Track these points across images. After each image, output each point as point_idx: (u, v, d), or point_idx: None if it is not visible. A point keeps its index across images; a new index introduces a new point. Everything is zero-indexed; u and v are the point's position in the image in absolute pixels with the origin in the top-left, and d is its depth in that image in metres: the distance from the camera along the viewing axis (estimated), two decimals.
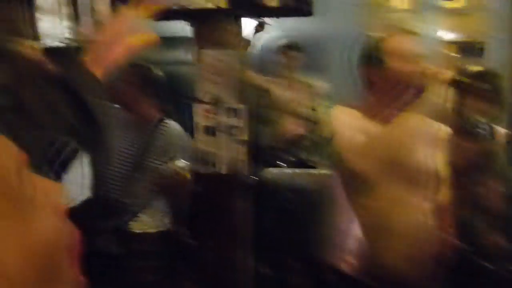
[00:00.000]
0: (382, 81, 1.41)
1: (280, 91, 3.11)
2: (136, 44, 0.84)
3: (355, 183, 1.38)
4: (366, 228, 1.46)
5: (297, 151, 3.09)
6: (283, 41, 3.19)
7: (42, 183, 0.37)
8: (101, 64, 0.81)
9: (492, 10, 3.62)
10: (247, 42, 2.04)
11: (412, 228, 1.43)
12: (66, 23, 2.67)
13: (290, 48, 3.13)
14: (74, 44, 2.66)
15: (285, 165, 3.04)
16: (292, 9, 1.71)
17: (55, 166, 0.85)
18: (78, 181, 2.51)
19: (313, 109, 3.16)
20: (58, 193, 0.38)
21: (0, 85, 2.38)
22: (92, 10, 3.01)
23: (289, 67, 3.15)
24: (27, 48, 2.14)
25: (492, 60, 3.64)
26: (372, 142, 1.35)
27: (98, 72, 0.81)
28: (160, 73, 2.26)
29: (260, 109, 3.01)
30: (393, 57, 1.39)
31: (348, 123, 1.46)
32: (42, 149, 0.80)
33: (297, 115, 3.13)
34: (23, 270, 0.30)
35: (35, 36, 2.28)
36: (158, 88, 2.24)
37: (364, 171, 1.29)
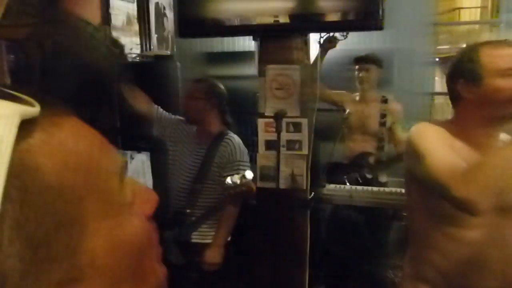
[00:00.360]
0: (478, 98, 1.25)
1: (352, 106, 2.98)
2: None
3: (449, 211, 1.19)
4: (455, 261, 1.30)
5: (361, 168, 2.98)
6: (360, 55, 2.98)
7: (136, 186, 0.38)
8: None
9: None
10: (316, 57, 2.01)
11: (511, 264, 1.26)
12: (136, 40, 2.84)
13: (367, 61, 2.94)
14: (143, 59, 2.81)
15: (347, 182, 2.96)
16: (361, 24, 1.67)
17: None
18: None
19: (386, 126, 2.98)
20: (149, 196, 0.40)
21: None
22: (161, 28, 3.17)
23: (364, 82, 2.95)
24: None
25: None
26: (474, 167, 1.14)
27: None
28: (223, 88, 2.31)
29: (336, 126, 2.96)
30: (492, 71, 1.22)
31: (443, 144, 1.27)
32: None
33: (369, 132, 3.02)
34: (113, 268, 0.32)
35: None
36: (222, 102, 2.30)
37: (466, 198, 1.09)
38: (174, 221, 2.26)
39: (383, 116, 2.97)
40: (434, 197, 1.23)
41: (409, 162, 1.36)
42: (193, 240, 2.27)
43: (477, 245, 1.25)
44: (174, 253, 2.20)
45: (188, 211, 2.23)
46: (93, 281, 0.30)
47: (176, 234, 2.22)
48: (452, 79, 1.33)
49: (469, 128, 1.29)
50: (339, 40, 1.85)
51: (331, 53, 3.10)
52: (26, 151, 0.27)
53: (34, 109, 0.28)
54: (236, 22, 1.85)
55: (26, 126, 0.28)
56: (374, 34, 3.39)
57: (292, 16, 1.78)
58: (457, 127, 1.31)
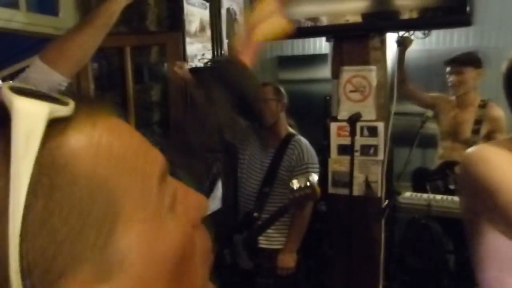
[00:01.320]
0: None
1: (446, 110, 2.72)
2: (272, 31, 0.85)
3: None
4: None
5: (446, 177, 2.75)
6: (452, 56, 2.68)
7: (182, 190, 0.37)
8: (248, 54, 0.83)
9: None
10: (397, 58, 1.90)
11: None
12: (209, 45, 2.90)
13: (460, 63, 2.63)
14: (216, 64, 2.87)
15: (429, 190, 2.76)
16: (447, 21, 1.55)
17: (206, 181, 0.88)
18: (214, 193, 2.63)
19: (480, 134, 2.66)
20: (198, 202, 0.38)
21: (154, 103, 2.64)
22: (233, 33, 3.23)
23: (456, 86, 2.65)
24: (177, 69, 2.38)
25: None
26: None
27: (249, 63, 0.83)
28: (284, 91, 2.29)
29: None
30: None
31: None
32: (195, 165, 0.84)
33: (459, 139, 2.74)
34: (144, 275, 0.30)
35: (184, 58, 2.51)
36: (288, 105, 2.28)
37: None
38: (243, 225, 2.27)
39: (478, 122, 2.67)
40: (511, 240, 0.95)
41: (471, 201, 1.05)
42: (260, 245, 2.26)
43: None
44: (242, 257, 2.20)
45: (256, 214, 2.23)
46: (120, 285, 0.29)
47: (244, 238, 2.22)
48: None
49: None
50: (412, 39, 1.72)
51: (409, 54, 2.93)
52: (56, 148, 0.27)
53: (66, 108, 0.29)
54: (309, 23, 1.81)
55: (59, 125, 0.28)
56: (456, 32, 3.16)
57: (367, 15, 1.70)
58: None
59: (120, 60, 2.50)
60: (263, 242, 2.27)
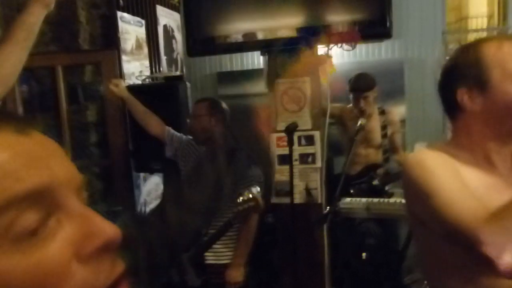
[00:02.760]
0: (485, 108, 0.98)
1: (353, 120, 2.98)
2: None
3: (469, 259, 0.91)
4: None
5: (370, 180, 2.96)
6: (353, 83, 2.93)
7: (85, 216, 0.34)
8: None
9: None
10: (326, 69, 2.00)
11: None
12: (146, 62, 2.87)
13: (363, 90, 2.89)
14: (154, 81, 2.84)
15: (361, 194, 2.92)
16: (369, 32, 1.67)
17: None
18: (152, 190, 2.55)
19: (389, 137, 2.99)
20: (97, 232, 0.34)
21: (90, 123, 2.55)
22: (170, 50, 3.22)
23: (364, 109, 2.91)
24: (113, 87, 2.33)
25: None
26: (506, 207, 0.85)
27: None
28: (225, 105, 2.31)
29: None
30: (501, 74, 0.96)
31: (452, 175, 0.97)
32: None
33: (374, 145, 3.01)
34: None
35: (121, 76, 2.47)
36: (225, 118, 2.29)
37: (493, 251, 0.79)
38: (190, 242, 2.23)
39: (384, 127, 2.98)
40: (449, 243, 0.97)
41: (410, 203, 1.07)
42: (208, 261, 2.23)
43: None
44: (190, 275, 2.16)
45: (203, 231, 2.21)
46: None
47: (191, 255, 2.19)
48: (448, 88, 1.06)
49: (477, 147, 1.02)
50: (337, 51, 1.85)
51: (341, 66, 3.10)
52: None
53: None
54: (244, 39, 1.86)
55: None
56: (383, 45, 3.39)
57: (298, 29, 1.78)
58: (461, 148, 1.03)
59: (51, 81, 2.41)
60: (210, 258, 2.24)
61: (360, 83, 2.92)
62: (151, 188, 2.92)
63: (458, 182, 0.94)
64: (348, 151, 2.48)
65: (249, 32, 1.86)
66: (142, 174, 2.77)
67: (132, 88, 2.43)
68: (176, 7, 3.21)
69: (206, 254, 2.23)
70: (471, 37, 3.75)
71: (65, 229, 0.32)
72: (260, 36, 1.85)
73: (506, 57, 0.97)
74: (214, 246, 2.21)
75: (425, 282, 1.17)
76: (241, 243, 2.20)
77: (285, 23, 1.80)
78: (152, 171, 2.78)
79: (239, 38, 1.87)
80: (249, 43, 1.85)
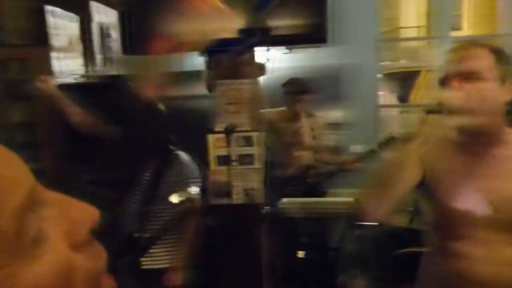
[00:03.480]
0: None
1: (291, 121, 3.07)
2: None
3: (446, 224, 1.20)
4: (449, 274, 1.23)
5: (304, 180, 3.07)
6: (288, 86, 3.04)
7: (66, 205, 0.33)
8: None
9: (500, 36, 3.65)
10: (262, 72, 2.04)
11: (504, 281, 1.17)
12: (80, 60, 2.74)
13: (301, 93, 3.01)
14: (88, 80, 2.72)
15: (296, 195, 3.00)
16: (306, 37, 1.72)
17: None
18: None
19: (323, 139, 3.14)
20: (84, 215, 0.34)
21: (15, 123, 2.40)
22: (106, 48, 3.10)
23: (300, 112, 3.06)
24: (44, 85, 2.19)
25: None
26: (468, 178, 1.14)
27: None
28: (162, 107, 2.27)
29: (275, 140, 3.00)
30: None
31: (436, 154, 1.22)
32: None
33: (305, 146, 3.12)
34: None
35: (51, 74, 2.33)
36: (161, 120, 2.24)
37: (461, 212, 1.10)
38: (125, 248, 2.16)
39: (313, 130, 3.13)
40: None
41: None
42: (146, 267, 2.17)
43: (471, 260, 1.18)
44: (127, 282, 2.09)
45: (137, 235, 2.14)
46: None
47: (128, 262, 2.11)
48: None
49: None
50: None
51: (281, 71, 3.17)
52: None
53: None
54: (183, 39, 1.83)
55: None
56: (322, 51, 3.51)
57: (238, 31, 1.80)
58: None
59: None
60: (148, 262, 2.18)
61: (294, 86, 3.03)
62: None
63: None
64: (283, 154, 2.56)
65: (190, 32, 1.84)
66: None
67: (65, 87, 2.31)
68: (113, 3, 3.10)
69: (143, 259, 2.17)
70: (402, 45, 4.00)
71: (51, 223, 0.31)
72: (201, 36, 1.83)
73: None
74: (151, 250, 2.16)
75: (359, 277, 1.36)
76: (179, 246, 2.17)
77: (224, 26, 1.80)
78: (87, 174, 2.65)
79: (178, 38, 1.84)
80: (188, 44, 1.83)
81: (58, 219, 0.32)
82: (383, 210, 1.20)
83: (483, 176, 1.17)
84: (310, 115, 3.14)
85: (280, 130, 2.91)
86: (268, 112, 3.20)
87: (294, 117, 3.09)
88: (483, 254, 1.16)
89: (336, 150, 3.25)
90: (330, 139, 3.21)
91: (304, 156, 3.13)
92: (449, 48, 1.27)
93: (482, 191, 1.16)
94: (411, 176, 1.20)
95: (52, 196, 0.33)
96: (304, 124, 3.12)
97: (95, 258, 0.34)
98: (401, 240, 3.12)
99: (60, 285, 0.30)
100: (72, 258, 0.32)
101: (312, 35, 1.73)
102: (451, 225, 1.19)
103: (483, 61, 1.14)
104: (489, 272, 1.16)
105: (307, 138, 3.12)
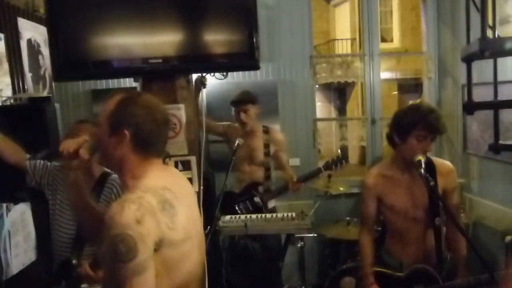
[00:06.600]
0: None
1: (238, 137, 2.90)
2: None
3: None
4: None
5: (252, 197, 3.10)
6: (235, 97, 3.07)
7: None
8: None
9: (425, 52, 3.93)
10: (197, 95, 2.07)
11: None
12: (7, 80, 2.59)
13: (244, 102, 3.03)
14: (16, 101, 2.57)
15: (239, 211, 3.05)
16: (239, 64, 1.79)
17: None
18: (23, 246, 2.33)
19: (270, 155, 3.12)
20: None
21: None
22: (37, 66, 2.95)
23: (244, 121, 3.04)
24: None
25: (426, 96, 3.94)
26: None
27: None
28: None
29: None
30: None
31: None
32: None
33: (256, 163, 3.12)
34: None
35: None
36: None
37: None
38: (60, 275, 2.08)
39: (267, 146, 3.11)
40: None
41: None
42: None
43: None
44: None
45: (75, 261, 2.07)
46: None
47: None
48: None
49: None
50: (206, 80, 1.96)
51: (221, 86, 3.19)
52: None
53: None
54: (117, 64, 1.80)
55: None
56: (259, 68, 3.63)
57: (173, 58, 1.80)
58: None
59: None
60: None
61: (240, 97, 3.06)
62: (15, 218, 2.64)
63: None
64: (227, 170, 2.57)
65: (125, 58, 1.80)
66: (4, 204, 2.50)
67: None
68: (43, 19, 2.97)
69: (81, 285, 2.10)
70: (336, 60, 4.20)
71: None
72: (134, 62, 1.80)
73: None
74: (90, 276, 2.10)
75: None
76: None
77: (159, 51, 1.79)
78: (16, 201, 2.51)
79: (112, 63, 1.78)
80: (124, 69, 1.81)
81: None
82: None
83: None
84: (265, 131, 3.13)
85: (232, 144, 2.90)
86: (221, 126, 3.20)
87: (243, 126, 3.08)
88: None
89: (289, 167, 3.25)
90: (284, 156, 3.17)
91: (255, 172, 3.12)
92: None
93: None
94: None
95: None
96: (257, 139, 3.10)
97: None
98: (339, 252, 3.26)
99: None
100: None
101: (245, 63, 1.80)
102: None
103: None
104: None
105: (258, 154, 3.10)
